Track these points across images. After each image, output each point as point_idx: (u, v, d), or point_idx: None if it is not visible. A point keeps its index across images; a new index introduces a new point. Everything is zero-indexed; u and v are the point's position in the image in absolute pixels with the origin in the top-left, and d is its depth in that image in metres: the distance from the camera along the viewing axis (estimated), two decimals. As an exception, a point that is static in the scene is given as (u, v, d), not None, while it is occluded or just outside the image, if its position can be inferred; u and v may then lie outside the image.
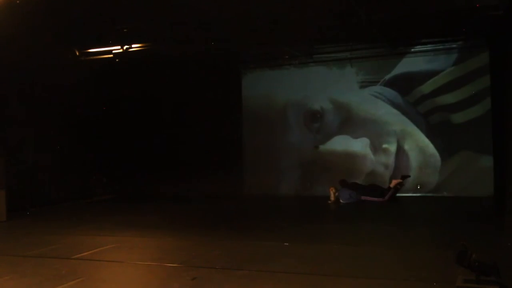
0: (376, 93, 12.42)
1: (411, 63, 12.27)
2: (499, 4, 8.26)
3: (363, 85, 12.57)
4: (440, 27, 10.27)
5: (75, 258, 6.45)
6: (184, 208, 11.71)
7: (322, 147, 12.57)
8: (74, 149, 13.30)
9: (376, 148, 12.21)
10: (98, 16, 8.86)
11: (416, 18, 9.39)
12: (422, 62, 12.15)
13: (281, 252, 6.55)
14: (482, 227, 8.03)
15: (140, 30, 9.86)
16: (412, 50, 12.16)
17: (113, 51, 10.89)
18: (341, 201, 11.65)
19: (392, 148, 12.10)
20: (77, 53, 11.14)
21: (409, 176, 11.87)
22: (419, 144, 11.93)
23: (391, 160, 12.09)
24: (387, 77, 12.38)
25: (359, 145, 12.30)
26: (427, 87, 12.05)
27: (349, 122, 12.53)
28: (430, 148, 11.84)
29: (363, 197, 11.56)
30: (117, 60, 11.16)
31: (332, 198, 11.69)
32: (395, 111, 12.18)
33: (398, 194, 11.68)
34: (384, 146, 12.19)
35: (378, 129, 12.24)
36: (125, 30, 9.73)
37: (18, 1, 7.55)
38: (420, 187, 12.05)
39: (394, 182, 11.58)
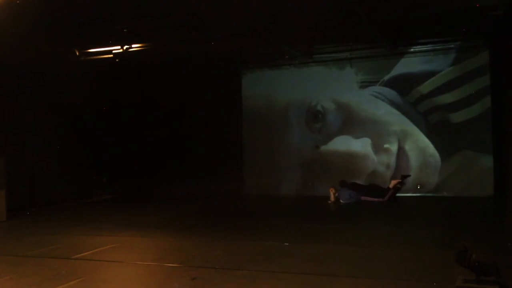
0: (376, 93, 12.42)
1: (410, 63, 12.28)
2: (499, 4, 8.27)
3: (363, 85, 12.57)
4: (440, 27, 10.27)
5: (75, 258, 6.45)
6: (184, 208, 11.70)
7: (324, 147, 12.58)
8: (74, 149, 13.30)
9: (377, 148, 12.21)
10: (98, 16, 8.86)
11: (416, 18, 9.39)
12: (422, 62, 12.15)
13: (281, 252, 6.55)
14: (482, 227, 8.03)
15: (140, 30, 9.86)
16: (412, 50, 12.17)
17: (113, 51, 10.90)
18: (341, 201, 11.65)
19: (393, 148, 12.11)
20: (77, 53, 11.14)
21: (409, 176, 11.87)
22: (419, 144, 11.95)
23: (392, 160, 12.10)
24: (386, 77, 12.39)
25: (360, 145, 12.31)
26: (426, 87, 12.07)
27: (350, 122, 12.53)
28: (430, 148, 11.85)
29: (363, 197, 11.56)
30: (117, 60, 11.16)
31: (332, 198, 11.70)
32: (395, 111, 12.19)
33: (398, 194, 11.69)
34: (386, 146, 12.19)
35: (379, 129, 12.25)
36: (125, 30, 9.74)
37: (18, 1, 7.55)
38: (420, 187, 12.05)
39: (393, 182, 11.58)
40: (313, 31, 9.92)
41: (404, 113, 12.07)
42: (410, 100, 12.12)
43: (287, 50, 12.32)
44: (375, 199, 11.43)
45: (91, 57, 11.39)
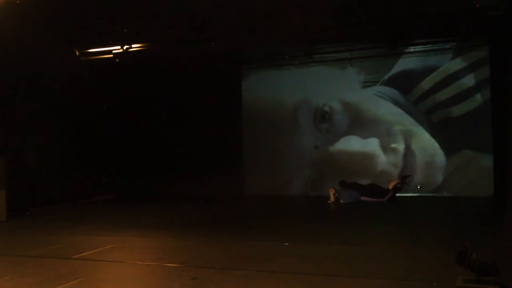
0: (379, 92, 12.43)
1: (410, 62, 12.30)
2: (499, 4, 8.27)
3: (365, 85, 12.56)
4: (440, 27, 10.27)
5: (75, 258, 6.45)
6: (184, 208, 11.70)
7: (332, 147, 12.57)
8: (74, 149, 13.30)
9: (385, 148, 12.17)
10: (98, 16, 8.86)
11: (416, 18, 9.39)
12: (422, 62, 12.17)
13: (281, 252, 6.55)
14: (482, 227, 8.02)
15: (140, 30, 9.86)
16: (412, 50, 12.18)
17: (113, 51, 10.89)
18: (341, 201, 11.65)
19: (400, 147, 12.09)
20: (77, 53, 11.14)
21: (409, 176, 11.87)
22: (425, 143, 11.91)
23: (399, 159, 12.07)
24: (387, 76, 12.37)
25: (369, 145, 12.29)
26: (427, 87, 12.08)
27: (357, 122, 12.50)
28: (435, 145, 11.82)
29: (362, 198, 11.56)
30: (117, 60, 11.15)
31: (332, 198, 11.70)
32: (399, 110, 12.17)
33: (398, 194, 11.69)
34: (393, 145, 12.17)
35: (385, 129, 12.23)
36: (125, 30, 9.73)
37: (18, 1, 7.54)
38: (420, 187, 12.06)
39: (392, 183, 11.58)
40: (313, 31, 9.92)
41: (408, 112, 12.07)
42: (411, 99, 12.12)
43: (287, 50, 12.31)
44: (375, 199, 11.43)
45: (91, 57, 11.38)
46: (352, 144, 12.45)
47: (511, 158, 7.76)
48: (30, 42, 9.86)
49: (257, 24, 9.45)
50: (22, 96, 11.73)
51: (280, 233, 7.97)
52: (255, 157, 13.81)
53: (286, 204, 12.04)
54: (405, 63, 12.33)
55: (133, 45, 10.67)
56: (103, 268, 6.00)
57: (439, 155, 11.76)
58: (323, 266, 5.73)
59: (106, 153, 14.38)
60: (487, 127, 11.08)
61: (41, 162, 12.21)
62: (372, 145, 12.37)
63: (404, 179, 11.75)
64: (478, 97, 11.54)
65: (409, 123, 12.07)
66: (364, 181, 12.08)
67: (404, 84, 12.24)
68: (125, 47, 10.66)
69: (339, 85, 12.87)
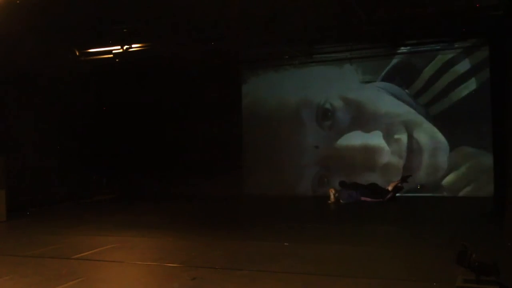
0: (378, 87, 12.46)
1: (410, 63, 12.33)
2: (499, 4, 8.26)
3: (364, 80, 12.57)
4: (440, 27, 10.27)
5: (75, 258, 6.45)
6: (184, 208, 11.71)
7: (337, 143, 12.58)
8: (74, 149, 13.30)
9: (388, 140, 12.17)
10: (98, 16, 8.86)
11: (415, 18, 9.39)
12: (422, 61, 12.18)
13: (281, 252, 6.55)
14: (482, 227, 8.02)
15: (140, 30, 9.86)
16: (412, 50, 12.18)
17: (113, 51, 10.88)
18: (341, 201, 11.65)
19: (404, 138, 12.08)
20: (77, 53, 11.13)
21: (410, 176, 11.87)
22: (427, 132, 11.86)
23: (403, 149, 12.05)
24: (385, 71, 12.42)
25: (373, 138, 12.29)
26: (426, 88, 12.11)
27: (359, 117, 12.52)
28: (438, 134, 11.79)
29: (362, 198, 11.56)
30: (117, 60, 11.15)
31: (332, 198, 11.71)
32: (399, 102, 12.17)
33: (398, 194, 11.69)
34: (396, 137, 12.17)
35: (386, 122, 12.23)
36: (125, 30, 9.73)
37: (18, 1, 7.54)
38: (420, 187, 12.06)
39: (392, 184, 11.58)
40: (313, 31, 9.91)
41: (408, 104, 12.08)
42: (411, 92, 12.18)
43: (287, 50, 12.31)
44: (375, 199, 11.42)
45: (91, 57, 11.38)
46: (356, 138, 12.45)
47: (511, 158, 7.76)
48: (30, 42, 9.86)
49: (257, 24, 9.44)
50: (22, 96, 11.73)
51: (280, 233, 7.97)
52: (255, 157, 13.80)
53: (286, 204, 12.03)
54: (404, 63, 12.35)
55: (133, 45, 10.66)
56: (103, 268, 6.00)
57: (442, 143, 11.68)
58: (323, 266, 5.73)
59: (106, 153, 14.38)
60: (487, 126, 11.08)
61: (41, 162, 12.20)
62: (375, 138, 12.35)
63: (405, 179, 11.75)
64: (478, 96, 11.53)
65: (410, 114, 12.06)
66: (371, 174, 12.07)
67: (403, 80, 12.30)
68: (125, 47, 10.65)
69: (338, 83, 12.89)
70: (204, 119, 13.97)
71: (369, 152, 12.25)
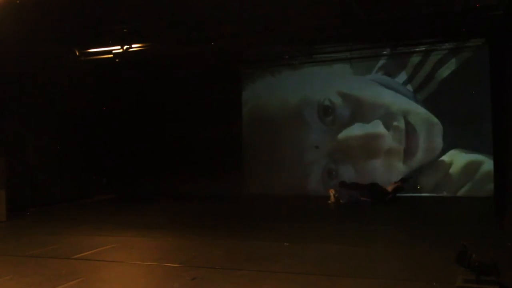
0: (371, 80, 12.64)
1: (410, 62, 12.36)
2: (499, 4, 8.26)
3: (359, 72, 12.77)
4: (440, 27, 10.27)
5: (75, 258, 6.45)
6: (184, 208, 11.71)
7: (340, 136, 12.73)
8: (74, 149, 13.30)
9: (388, 127, 12.35)
10: (98, 16, 8.85)
11: (416, 18, 9.39)
12: (421, 61, 12.20)
13: (281, 252, 6.56)
14: (482, 227, 8.03)
15: (140, 30, 9.85)
16: (412, 50, 12.18)
17: (113, 51, 10.88)
18: (341, 201, 11.65)
19: (401, 124, 12.24)
20: (77, 53, 11.13)
21: (411, 178, 11.88)
22: (421, 116, 12.04)
23: (403, 135, 12.23)
24: (379, 64, 12.59)
25: (373, 128, 12.46)
26: (426, 87, 12.13)
27: (358, 109, 12.70)
28: (432, 117, 11.94)
29: (362, 198, 11.56)
30: (117, 60, 11.15)
31: (332, 198, 11.71)
32: (393, 92, 12.37)
33: (398, 194, 11.68)
34: (394, 124, 12.31)
35: (383, 111, 12.42)
36: (125, 30, 9.73)
37: (18, 1, 7.54)
38: (420, 187, 12.07)
39: (392, 185, 11.58)
40: (313, 31, 9.91)
41: (402, 94, 12.28)
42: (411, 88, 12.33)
43: (287, 50, 12.32)
44: (375, 200, 11.42)
45: (91, 57, 11.38)
46: (357, 129, 12.63)
47: (511, 158, 7.76)
48: (30, 42, 9.85)
49: (257, 24, 9.44)
50: (22, 96, 11.73)
51: (280, 233, 7.97)
52: (256, 157, 13.81)
53: (286, 204, 12.03)
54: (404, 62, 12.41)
55: (133, 45, 10.66)
56: (103, 268, 6.00)
57: (436, 124, 11.87)
58: (323, 266, 5.74)
59: (106, 153, 14.38)
60: (487, 127, 11.08)
61: (41, 162, 12.21)
62: (375, 126, 12.47)
63: (405, 181, 11.75)
64: (478, 96, 11.53)
65: (403, 102, 12.26)
66: (375, 161, 12.27)
67: (402, 77, 12.43)
68: (125, 47, 10.65)
69: (335, 80, 12.98)
70: (204, 119, 13.96)
71: (372, 140, 12.48)
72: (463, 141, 11.73)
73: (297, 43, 11.58)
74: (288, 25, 9.47)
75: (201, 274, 5.43)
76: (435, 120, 11.90)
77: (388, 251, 6.43)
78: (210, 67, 13.16)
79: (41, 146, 12.24)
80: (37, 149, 12.11)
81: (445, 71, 11.95)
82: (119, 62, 11.34)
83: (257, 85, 13.92)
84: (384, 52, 12.38)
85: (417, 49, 12.14)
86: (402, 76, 12.36)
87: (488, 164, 11.24)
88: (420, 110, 12.08)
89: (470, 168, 11.69)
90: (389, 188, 11.58)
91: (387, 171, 12.18)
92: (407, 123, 12.11)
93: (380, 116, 12.45)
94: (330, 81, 13.03)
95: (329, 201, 11.70)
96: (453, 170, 11.87)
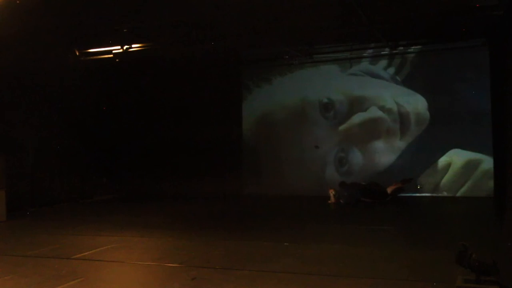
0: (361, 72, 12.88)
1: (409, 62, 12.38)
2: (499, 4, 8.26)
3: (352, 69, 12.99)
4: (440, 27, 10.27)
5: (75, 258, 6.45)
6: (184, 208, 11.71)
7: (342, 127, 12.97)
8: (74, 149, 13.31)
9: (384, 110, 12.63)
10: (98, 16, 8.85)
11: (416, 18, 9.39)
12: (421, 61, 12.22)
13: (281, 252, 6.56)
14: (482, 227, 8.03)
15: (140, 30, 9.85)
16: (412, 50, 12.19)
17: (113, 51, 10.88)
18: (341, 201, 11.65)
19: (394, 107, 12.55)
20: (77, 53, 11.13)
21: (411, 179, 11.88)
22: (410, 98, 12.36)
23: (397, 116, 12.51)
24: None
25: (372, 113, 12.74)
26: (426, 87, 12.16)
27: (355, 101, 12.93)
28: (418, 97, 12.27)
29: (362, 198, 11.56)
30: (117, 60, 11.15)
31: (332, 199, 11.71)
32: (381, 81, 12.65)
33: (398, 195, 11.70)
34: (388, 107, 12.55)
35: (377, 98, 12.69)
36: (125, 30, 9.72)
37: (18, 1, 7.54)
38: (420, 187, 12.07)
39: (390, 188, 11.57)
40: (313, 31, 9.91)
41: (393, 81, 12.56)
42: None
43: (287, 50, 12.32)
44: (375, 200, 11.42)
45: (91, 57, 11.38)
46: (358, 118, 12.89)
47: (511, 158, 7.76)
48: (30, 42, 9.85)
49: (257, 24, 9.44)
50: (22, 96, 11.73)
51: (280, 233, 7.97)
52: (256, 157, 13.81)
53: (286, 204, 12.04)
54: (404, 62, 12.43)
55: (133, 45, 10.66)
56: (103, 268, 6.00)
57: (421, 101, 12.19)
58: (323, 266, 5.73)
59: (106, 153, 14.38)
60: (487, 127, 11.09)
61: (41, 162, 12.21)
62: (373, 112, 12.69)
63: (405, 183, 11.75)
64: (478, 96, 11.53)
65: (392, 87, 12.55)
66: (378, 142, 12.51)
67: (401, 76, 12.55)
68: (125, 47, 10.65)
69: (332, 78, 13.09)
70: (204, 118, 13.97)
71: (371, 124, 12.78)
72: (463, 141, 11.73)
73: (297, 43, 11.58)
74: (288, 25, 9.47)
75: (201, 274, 5.43)
76: (421, 97, 12.21)
77: (388, 251, 6.43)
78: (210, 67, 13.16)
79: (41, 146, 12.24)
80: (37, 149, 12.11)
81: (445, 71, 11.95)
82: (119, 62, 11.34)
83: (257, 85, 13.92)
84: (384, 52, 12.38)
85: (417, 49, 12.14)
86: (402, 75, 12.47)
87: (488, 164, 11.24)
88: (407, 90, 12.44)
89: (470, 168, 11.69)
90: (390, 189, 11.58)
91: (389, 149, 12.58)
92: (398, 104, 12.48)
93: (374, 103, 12.80)
94: (329, 80, 13.12)
95: (329, 201, 11.70)
96: (453, 170, 11.88)
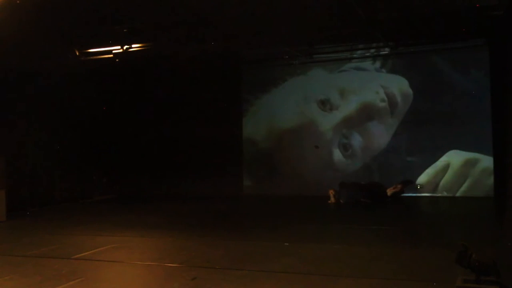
0: (353, 69, 13.04)
1: (409, 62, 12.38)
2: (499, 4, 8.27)
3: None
4: (440, 27, 10.27)
5: (75, 258, 6.45)
6: (184, 208, 11.71)
7: (341, 113, 13.16)
8: (74, 149, 13.31)
9: (376, 96, 12.79)
10: (98, 16, 8.85)
11: (416, 18, 9.39)
12: (421, 61, 12.22)
13: (281, 252, 6.55)
14: (482, 227, 8.03)
15: (140, 30, 9.85)
16: (412, 50, 12.19)
17: (113, 51, 10.87)
18: (341, 201, 11.66)
19: (381, 91, 12.75)
20: (77, 53, 11.13)
21: (411, 182, 11.88)
22: (397, 84, 12.60)
23: (391, 100, 12.67)
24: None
25: (366, 97, 12.93)
26: (425, 87, 12.17)
27: (350, 92, 13.08)
28: (403, 81, 12.58)
29: (362, 198, 11.55)
30: (117, 60, 11.14)
31: (332, 199, 11.71)
32: (370, 72, 12.88)
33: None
34: (381, 96, 12.74)
35: (370, 89, 12.85)
36: (125, 30, 9.72)
37: (18, 1, 7.54)
38: (420, 187, 12.07)
39: (390, 190, 11.57)
40: (313, 31, 9.92)
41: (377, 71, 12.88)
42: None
43: (287, 50, 12.32)
44: (375, 200, 11.42)
45: (91, 57, 11.37)
46: (355, 103, 13.06)
47: (511, 158, 7.76)
48: (31, 42, 9.85)
49: (257, 24, 9.44)
50: (22, 96, 11.73)
51: (280, 233, 7.97)
52: (256, 157, 13.82)
53: (286, 204, 12.04)
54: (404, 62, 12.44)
55: (133, 45, 10.65)
56: (103, 268, 6.00)
57: (404, 83, 12.51)
58: (323, 266, 5.74)
59: (106, 153, 14.38)
60: (487, 127, 11.09)
61: (41, 162, 12.21)
62: (367, 95, 12.86)
63: (405, 185, 11.75)
64: (478, 96, 11.53)
65: (381, 76, 12.82)
66: (374, 123, 12.73)
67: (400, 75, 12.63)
68: (125, 47, 10.64)
69: (330, 77, 13.20)
70: (204, 118, 13.96)
71: (367, 107, 12.93)
72: (462, 141, 11.73)
73: (297, 43, 11.58)
74: (288, 25, 9.46)
75: (201, 274, 5.43)
76: (403, 79, 12.47)
77: (388, 251, 6.43)
78: (210, 67, 13.16)
79: (41, 146, 12.24)
80: (37, 149, 12.11)
81: (445, 71, 11.95)
82: (119, 62, 11.34)
83: (257, 84, 13.93)
84: (384, 52, 12.39)
85: (417, 49, 12.14)
86: (401, 74, 12.55)
87: (488, 164, 11.24)
88: (395, 77, 12.65)
89: (470, 168, 11.69)
90: (390, 191, 11.58)
91: (384, 128, 12.75)
92: (384, 87, 12.73)
93: (366, 89, 12.96)
94: (326, 78, 13.22)
95: (329, 201, 11.71)
96: (452, 170, 11.88)
